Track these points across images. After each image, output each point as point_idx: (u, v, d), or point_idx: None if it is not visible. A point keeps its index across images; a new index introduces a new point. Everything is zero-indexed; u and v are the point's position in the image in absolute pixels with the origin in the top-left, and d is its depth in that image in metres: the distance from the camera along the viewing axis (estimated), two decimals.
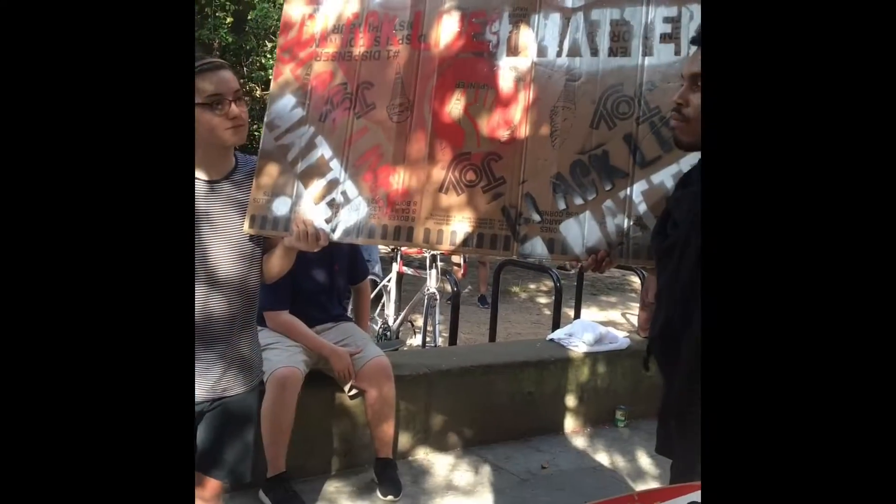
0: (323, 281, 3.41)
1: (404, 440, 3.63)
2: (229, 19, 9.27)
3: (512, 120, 1.91)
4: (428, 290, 5.60)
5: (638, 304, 6.13)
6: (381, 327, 5.79)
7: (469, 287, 8.27)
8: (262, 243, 2.09)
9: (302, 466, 3.28)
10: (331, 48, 2.11)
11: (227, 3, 9.24)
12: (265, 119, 2.12)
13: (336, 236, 2.01)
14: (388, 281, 6.00)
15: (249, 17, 9.03)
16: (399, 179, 1.98)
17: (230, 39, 9.22)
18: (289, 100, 2.11)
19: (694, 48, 1.66)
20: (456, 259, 6.86)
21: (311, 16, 2.14)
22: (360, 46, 2.07)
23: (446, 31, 2.00)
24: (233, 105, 1.89)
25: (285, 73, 2.13)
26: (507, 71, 1.93)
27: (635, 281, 7.96)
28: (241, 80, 9.56)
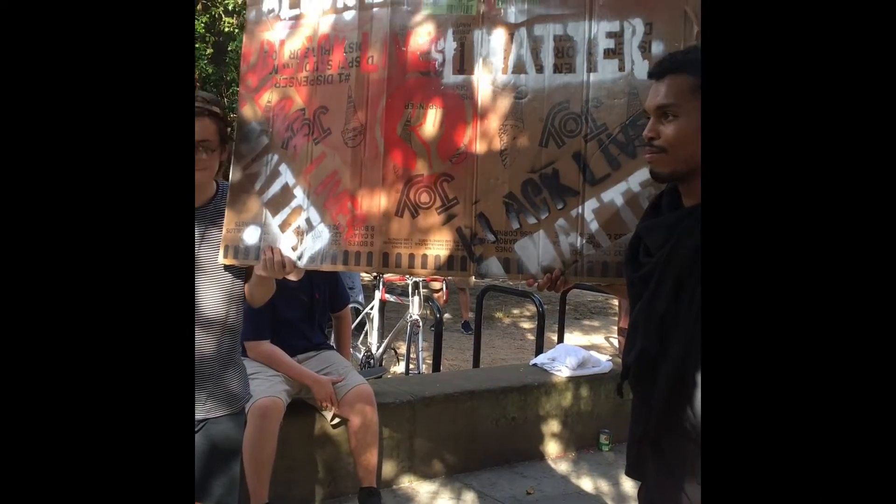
0: (303, 309, 3.41)
1: (388, 468, 3.60)
2: (209, 50, 9.30)
3: (462, 139, 1.91)
4: (411, 316, 5.60)
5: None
6: (364, 355, 5.77)
7: (448, 313, 8.26)
8: (243, 276, 2.10)
9: (285, 497, 3.25)
10: (288, 74, 2.09)
11: (207, 34, 9.28)
12: (233, 149, 2.11)
13: (302, 263, 2.01)
14: (371, 308, 5.99)
15: (230, 49, 9.07)
16: (357, 205, 1.98)
17: (210, 70, 9.25)
18: (254, 128, 2.10)
19: (645, 68, 1.72)
20: (437, 285, 6.86)
21: (269, 43, 2.13)
22: (315, 71, 2.06)
23: (392, 51, 1.99)
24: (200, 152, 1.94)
25: (248, 102, 2.13)
26: (455, 90, 1.93)
27: (617, 305, 7.98)
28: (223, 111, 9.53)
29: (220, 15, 9.14)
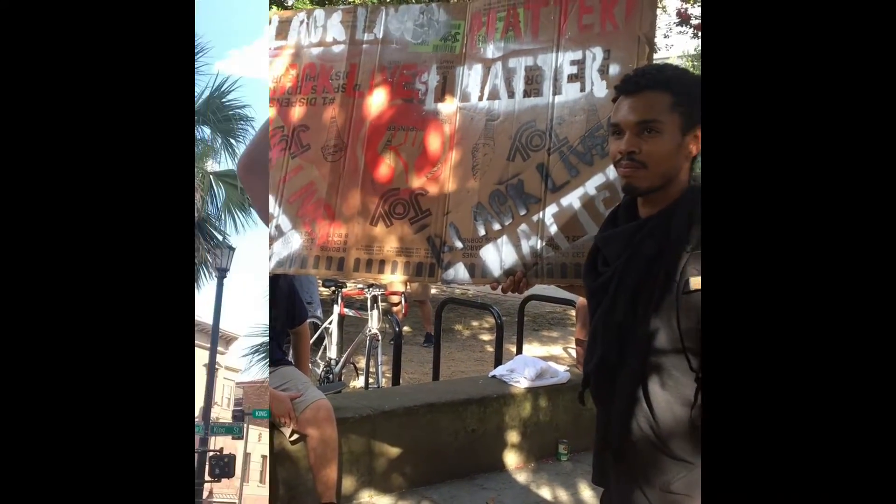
0: None
1: (348, 483, 3.59)
2: None
3: (438, 158, 2.06)
4: (370, 331, 5.58)
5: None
6: (323, 370, 5.73)
7: (407, 326, 8.24)
8: None
9: None
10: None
11: None
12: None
13: (269, 268, 2.09)
14: (330, 323, 5.96)
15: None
16: (333, 213, 2.09)
17: None
18: None
19: (602, 87, 1.88)
20: (395, 299, 6.86)
21: None
22: (298, 94, 2.22)
23: (380, 81, 2.15)
24: None
25: None
26: (434, 115, 2.09)
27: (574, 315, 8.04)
28: None
29: None
